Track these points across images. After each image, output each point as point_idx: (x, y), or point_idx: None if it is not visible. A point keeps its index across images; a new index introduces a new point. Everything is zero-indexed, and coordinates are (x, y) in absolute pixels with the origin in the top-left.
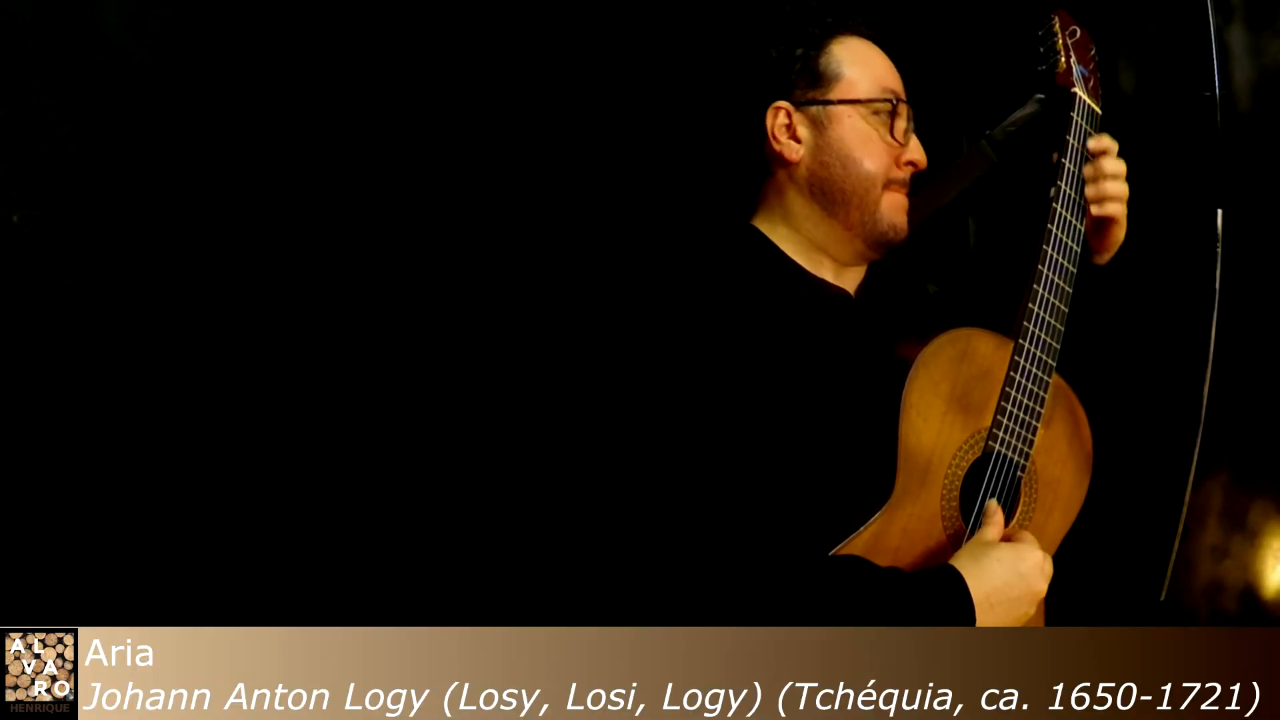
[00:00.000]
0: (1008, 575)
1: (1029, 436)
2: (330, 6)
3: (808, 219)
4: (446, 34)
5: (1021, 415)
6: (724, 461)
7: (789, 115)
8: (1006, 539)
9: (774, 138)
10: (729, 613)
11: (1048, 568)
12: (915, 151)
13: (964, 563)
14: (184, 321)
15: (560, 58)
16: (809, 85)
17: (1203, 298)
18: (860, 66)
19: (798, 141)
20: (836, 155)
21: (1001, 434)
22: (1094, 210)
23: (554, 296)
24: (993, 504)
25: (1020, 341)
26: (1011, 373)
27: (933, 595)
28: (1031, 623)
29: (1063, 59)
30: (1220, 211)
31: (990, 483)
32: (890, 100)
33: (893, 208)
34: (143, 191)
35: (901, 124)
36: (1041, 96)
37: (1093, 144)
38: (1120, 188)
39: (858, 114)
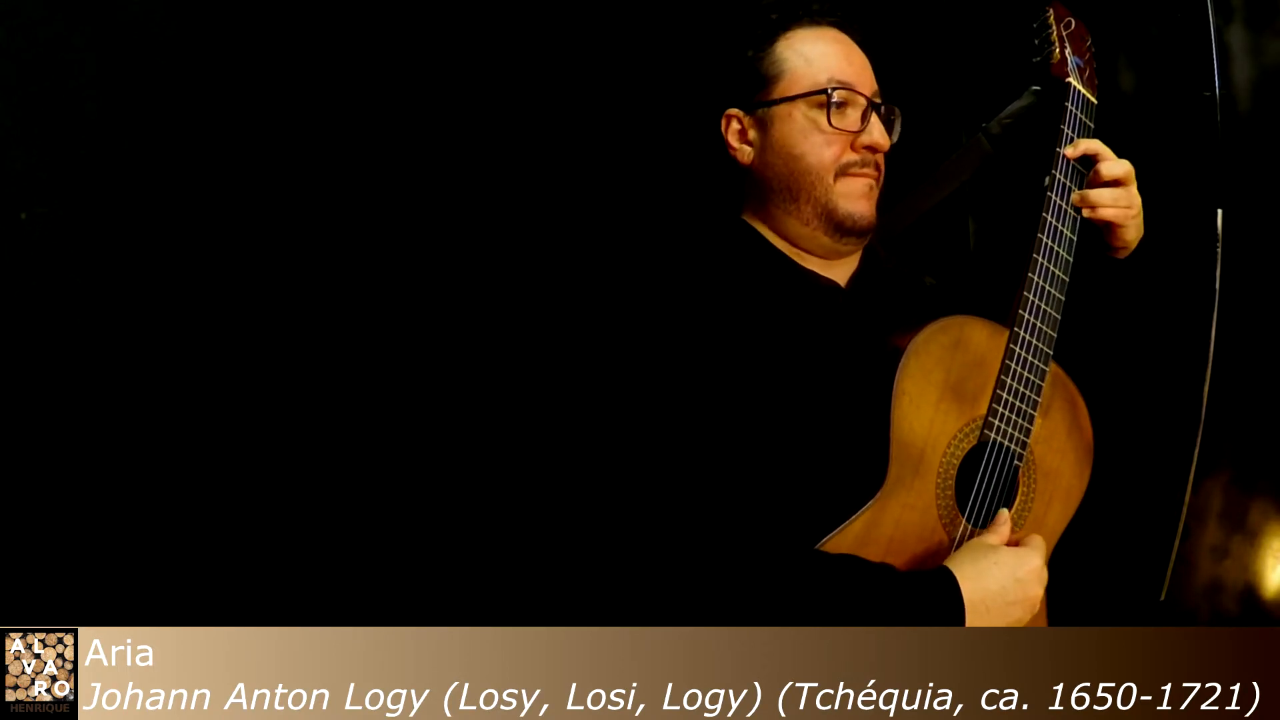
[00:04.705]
0: (1004, 580)
1: (1026, 425)
2: (333, 9)
3: (773, 216)
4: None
5: (1018, 404)
6: (714, 452)
7: (740, 121)
8: (1015, 543)
9: (729, 144)
10: (718, 608)
11: (1044, 574)
12: (869, 134)
13: (962, 564)
14: (187, 321)
15: (560, 54)
16: (756, 88)
17: (1203, 298)
18: (802, 60)
19: (750, 145)
20: (779, 154)
21: (997, 422)
22: (1086, 214)
23: (548, 294)
24: (1003, 513)
25: (1015, 329)
26: (1007, 360)
27: (923, 594)
28: (1034, 623)
29: (1057, 50)
30: (1220, 211)
31: (986, 472)
32: (825, 90)
33: (848, 196)
34: (149, 190)
35: (847, 111)
36: (1037, 88)
37: (1070, 150)
38: (1110, 194)
39: (799, 109)
